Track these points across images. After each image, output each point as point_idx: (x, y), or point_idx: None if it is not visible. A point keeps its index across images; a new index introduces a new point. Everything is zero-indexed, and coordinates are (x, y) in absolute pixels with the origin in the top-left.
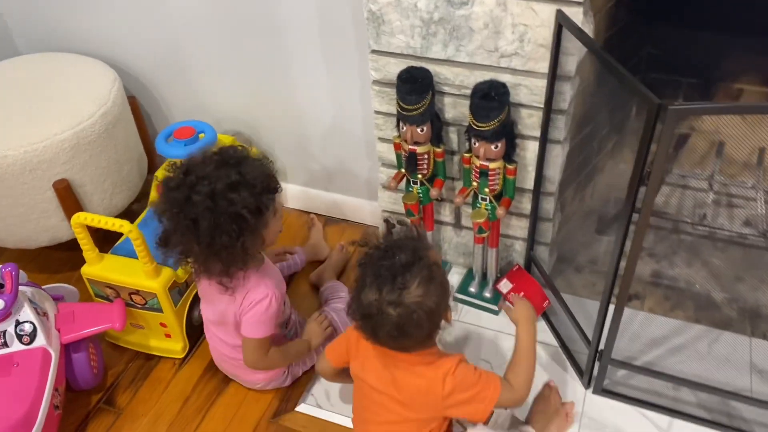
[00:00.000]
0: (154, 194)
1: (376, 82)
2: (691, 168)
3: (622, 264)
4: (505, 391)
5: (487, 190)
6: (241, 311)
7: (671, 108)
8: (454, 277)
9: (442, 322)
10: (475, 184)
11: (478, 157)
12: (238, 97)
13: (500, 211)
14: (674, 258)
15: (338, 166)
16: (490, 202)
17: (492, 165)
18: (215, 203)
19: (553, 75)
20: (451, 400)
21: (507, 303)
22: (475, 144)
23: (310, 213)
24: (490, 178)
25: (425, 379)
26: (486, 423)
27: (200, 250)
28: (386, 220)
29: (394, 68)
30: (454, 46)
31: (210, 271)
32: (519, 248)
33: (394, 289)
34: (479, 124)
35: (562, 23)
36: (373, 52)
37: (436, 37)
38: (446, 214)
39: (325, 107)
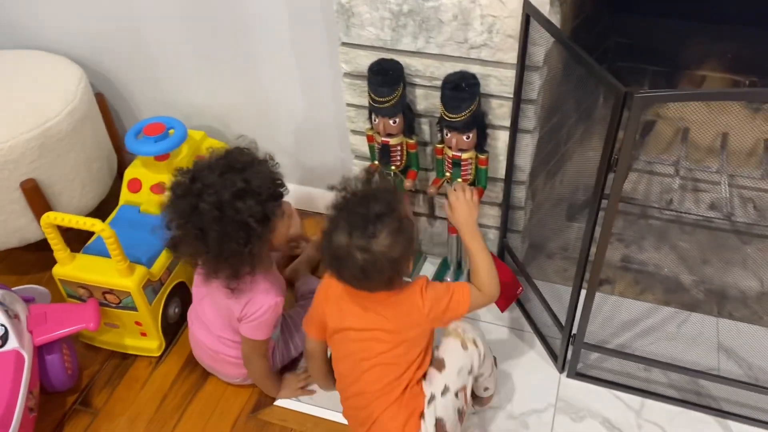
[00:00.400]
0: (125, 192)
1: (347, 74)
2: (658, 154)
3: (593, 250)
4: (475, 296)
5: (460, 180)
6: (244, 314)
7: (637, 95)
8: (429, 267)
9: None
10: (448, 174)
11: (450, 147)
12: (208, 91)
13: None
14: (643, 242)
15: (311, 160)
16: None
17: (464, 155)
18: (222, 213)
19: (522, 65)
20: (432, 314)
21: (447, 203)
22: (447, 135)
23: None
24: (462, 168)
25: (405, 303)
26: None
27: (209, 257)
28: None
29: (364, 61)
30: (424, 38)
31: (219, 275)
32: (492, 237)
33: (363, 236)
34: (450, 116)
35: (529, 14)
36: (344, 44)
37: (405, 29)
38: (420, 204)
39: (296, 100)
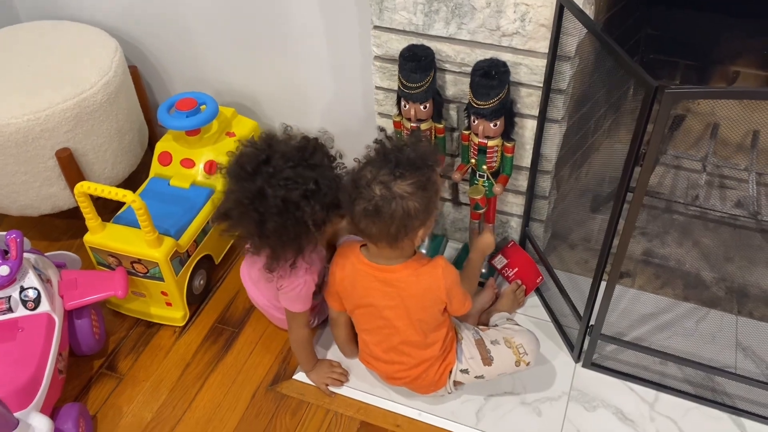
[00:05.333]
0: (155, 165)
1: (377, 58)
2: (686, 149)
3: (615, 242)
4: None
5: (485, 167)
6: (280, 285)
7: (668, 91)
8: (450, 252)
9: (418, 239)
10: (473, 161)
11: (476, 134)
12: (239, 69)
13: (497, 188)
14: (666, 237)
15: (338, 140)
16: (488, 179)
17: (490, 143)
18: (286, 208)
19: (554, 55)
20: (452, 292)
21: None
22: (474, 122)
23: None
24: (488, 155)
25: (427, 277)
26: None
27: (257, 239)
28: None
29: (396, 45)
30: (456, 24)
31: (259, 254)
32: (515, 225)
33: (390, 174)
34: (479, 102)
35: (563, 3)
36: (376, 28)
37: (438, 15)
38: (444, 189)
39: (325, 81)
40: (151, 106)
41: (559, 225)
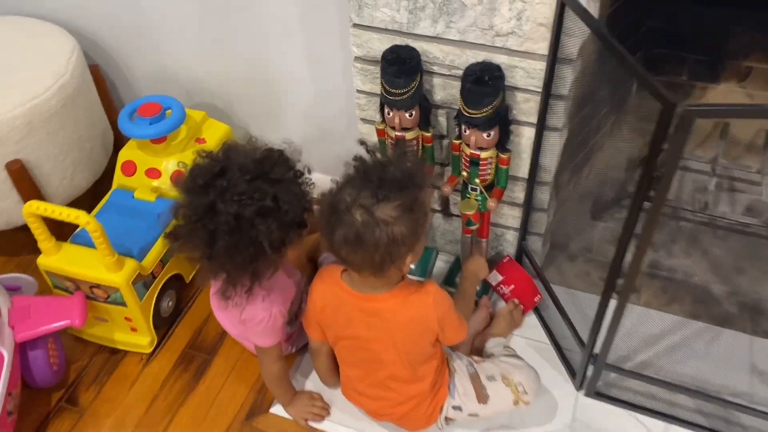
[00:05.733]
0: (118, 175)
1: (358, 59)
2: (693, 148)
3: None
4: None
5: (477, 180)
6: (243, 319)
7: (689, 108)
8: (441, 266)
9: (406, 266)
10: (464, 173)
11: (468, 145)
12: (211, 67)
13: (492, 204)
14: (672, 247)
15: (318, 145)
16: (481, 192)
17: (484, 154)
18: (238, 225)
19: (554, 57)
20: (444, 321)
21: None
22: (465, 131)
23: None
24: (481, 167)
25: (417, 305)
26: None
27: (207, 261)
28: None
29: (377, 44)
30: (444, 23)
31: (215, 278)
32: (510, 238)
33: (372, 197)
34: (471, 111)
35: (564, 1)
36: (355, 26)
37: (424, 12)
38: (434, 199)
39: (304, 82)
40: (116, 106)
41: (558, 234)
